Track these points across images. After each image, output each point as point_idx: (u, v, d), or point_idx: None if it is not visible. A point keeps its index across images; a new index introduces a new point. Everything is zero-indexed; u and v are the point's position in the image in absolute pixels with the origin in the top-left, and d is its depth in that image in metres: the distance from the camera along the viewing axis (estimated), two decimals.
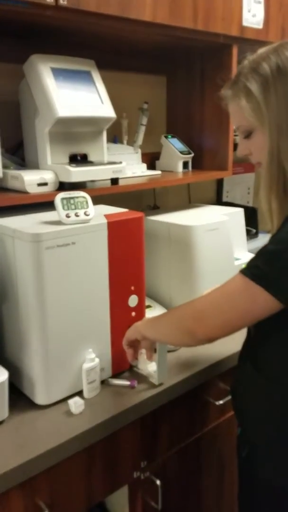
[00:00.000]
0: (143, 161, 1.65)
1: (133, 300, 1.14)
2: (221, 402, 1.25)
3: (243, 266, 0.85)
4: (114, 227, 1.07)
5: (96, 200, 1.15)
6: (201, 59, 1.63)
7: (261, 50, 0.85)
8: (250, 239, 1.77)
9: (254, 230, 1.87)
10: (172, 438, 1.21)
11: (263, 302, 0.81)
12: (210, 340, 0.90)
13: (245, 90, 0.83)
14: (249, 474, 0.99)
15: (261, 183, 0.86)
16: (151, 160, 1.71)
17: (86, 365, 1.06)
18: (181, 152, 1.62)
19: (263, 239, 1.94)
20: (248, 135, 0.87)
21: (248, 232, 1.73)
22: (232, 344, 1.07)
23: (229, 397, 1.24)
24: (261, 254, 0.82)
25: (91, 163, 1.29)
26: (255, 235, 1.90)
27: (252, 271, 0.82)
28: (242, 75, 0.85)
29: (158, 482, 1.15)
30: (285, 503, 0.94)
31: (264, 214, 0.86)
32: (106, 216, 1.09)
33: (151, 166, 1.69)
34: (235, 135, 1.60)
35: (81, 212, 1.03)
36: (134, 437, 1.09)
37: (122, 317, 1.13)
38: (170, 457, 1.21)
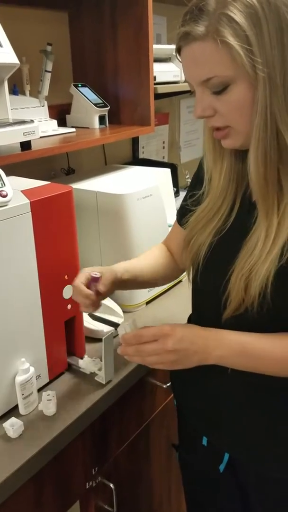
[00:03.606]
0: (51, 116, 1.40)
1: (68, 291, 0.95)
2: (169, 384, 1.15)
3: None
4: (39, 207, 0.86)
5: None
6: None
7: None
8: None
9: (175, 189, 1.74)
10: (122, 435, 1.09)
11: None
12: None
13: (229, 24, 0.59)
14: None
15: (252, 157, 0.66)
16: (59, 114, 1.45)
17: (20, 378, 0.88)
18: (96, 105, 1.39)
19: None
20: (223, 89, 0.64)
21: None
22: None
23: None
24: None
25: None
26: (177, 193, 1.78)
27: None
28: (213, 2, 0.61)
29: (111, 485, 1.04)
30: None
31: (262, 195, 0.67)
32: (25, 193, 0.87)
33: (61, 121, 1.44)
34: (156, 84, 1.41)
35: None
36: (84, 448, 0.96)
37: (56, 313, 0.95)
38: (120, 454, 1.10)
